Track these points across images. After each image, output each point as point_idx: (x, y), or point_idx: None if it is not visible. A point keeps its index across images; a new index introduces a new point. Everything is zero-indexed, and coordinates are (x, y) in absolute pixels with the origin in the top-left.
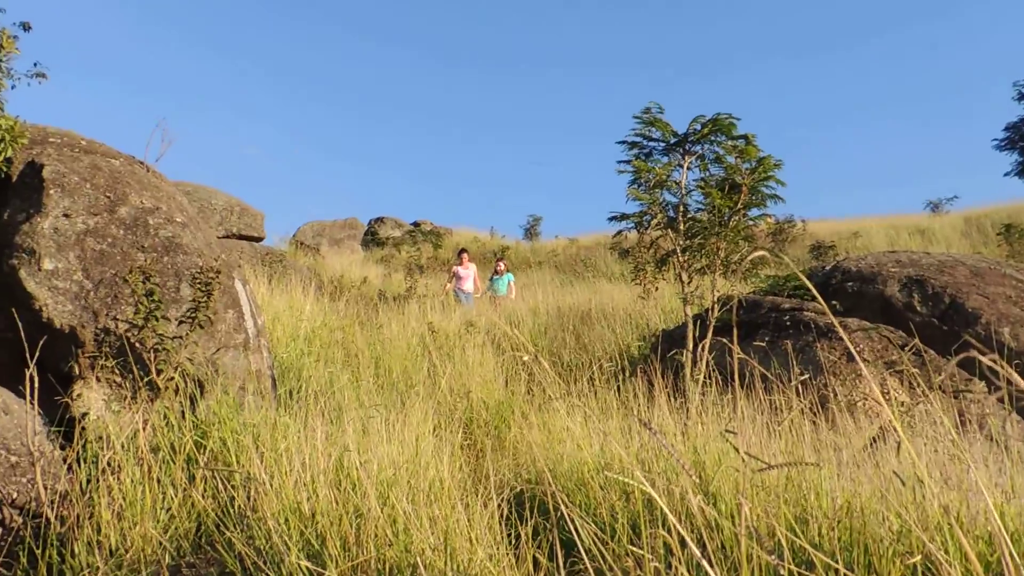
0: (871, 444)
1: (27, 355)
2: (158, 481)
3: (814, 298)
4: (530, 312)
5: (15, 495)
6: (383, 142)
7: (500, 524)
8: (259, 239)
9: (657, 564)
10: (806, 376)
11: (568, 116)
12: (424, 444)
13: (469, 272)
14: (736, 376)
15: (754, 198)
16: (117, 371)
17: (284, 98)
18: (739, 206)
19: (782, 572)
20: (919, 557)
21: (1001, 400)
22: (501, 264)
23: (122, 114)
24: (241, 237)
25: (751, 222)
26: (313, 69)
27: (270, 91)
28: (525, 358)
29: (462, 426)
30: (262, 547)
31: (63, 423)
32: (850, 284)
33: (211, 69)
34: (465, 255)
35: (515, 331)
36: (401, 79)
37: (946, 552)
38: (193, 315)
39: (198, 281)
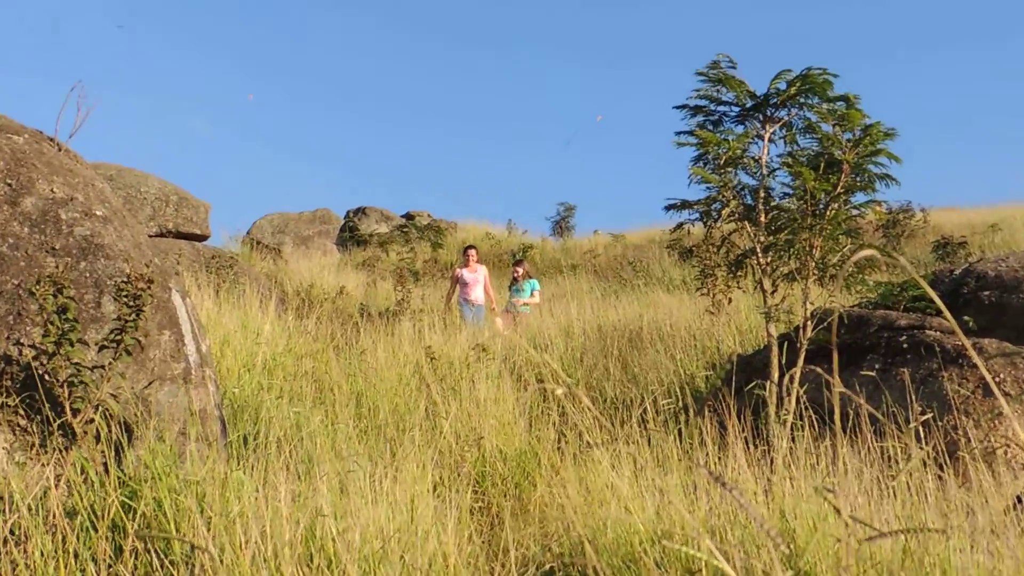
0: (1015, 505)
1: None
2: (75, 555)
3: (939, 312)
4: (561, 332)
5: None
6: (366, 124)
7: None
8: (203, 237)
9: None
10: (929, 415)
11: (601, 102)
12: (422, 507)
13: (478, 277)
14: (836, 416)
15: (859, 179)
16: (22, 411)
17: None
18: (839, 190)
19: None
20: None
21: None
22: (520, 268)
23: (38, 94)
24: (180, 235)
25: (855, 211)
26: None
27: (221, 62)
28: (557, 391)
29: (472, 483)
30: None
31: None
32: (987, 293)
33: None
34: (473, 254)
35: (542, 356)
36: (393, 55)
37: None
38: (118, 338)
39: (124, 294)
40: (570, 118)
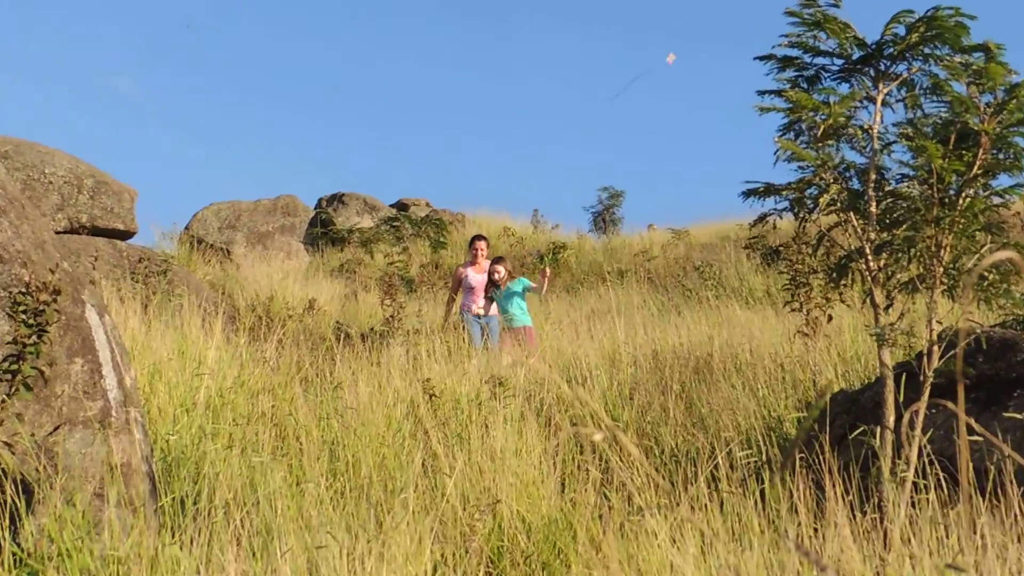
0: None
1: None
2: None
3: None
4: (604, 360)
5: None
6: (345, 110)
7: None
8: (127, 234)
9: None
10: None
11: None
12: None
13: (487, 278)
14: (971, 472)
15: (1002, 156)
16: None
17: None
18: (975, 171)
19: None
20: None
21: None
22: (501, 268)
23: None
24: (97, 231)
25: (996, 199)
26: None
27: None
28: (595, 437)
29: (484, 563)
30: None
31: None
32: None
33: None
34: (482, 247)
35: (575, 391)
36: (374, 32)
37: None
38: (14, 368)
39: (23, 309)
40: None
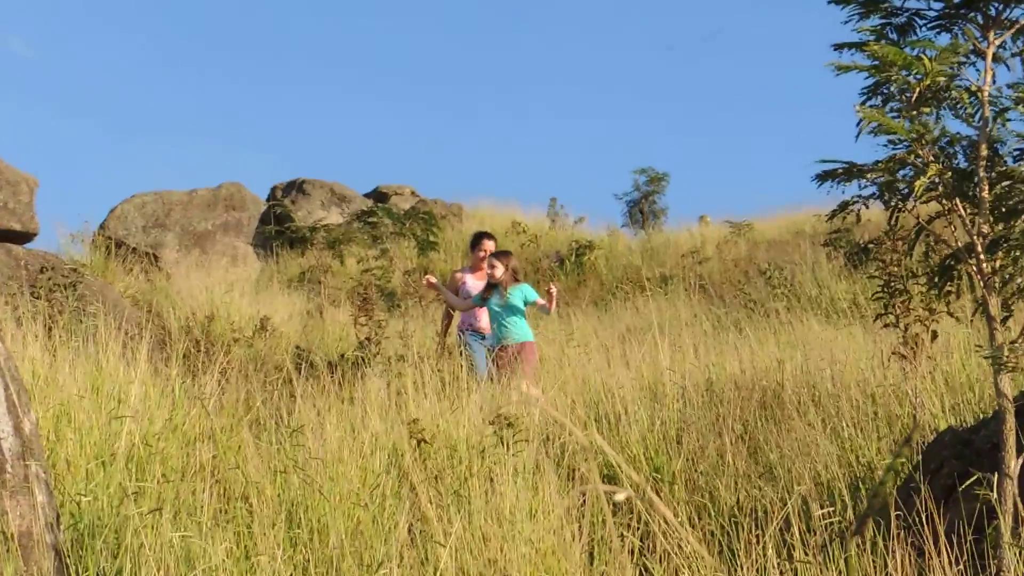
0: None
1: None
2: None
3: None
4: (643, 393)
5: None
6: (311, 85)
7: None
8: (26, 236)
9: None
10: None
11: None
12: None
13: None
14: None
15: None
16: None
17: None
18: None
19: None
20: None
21: None
22: (500, 264)
23: None
24: None
25: None
26: None
27: None
28: (618, 497)
29: None
30: None
31: None
32: None
33: None
34: (489, 247)
35: (592, 433)
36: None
37: None
38: None
39: None
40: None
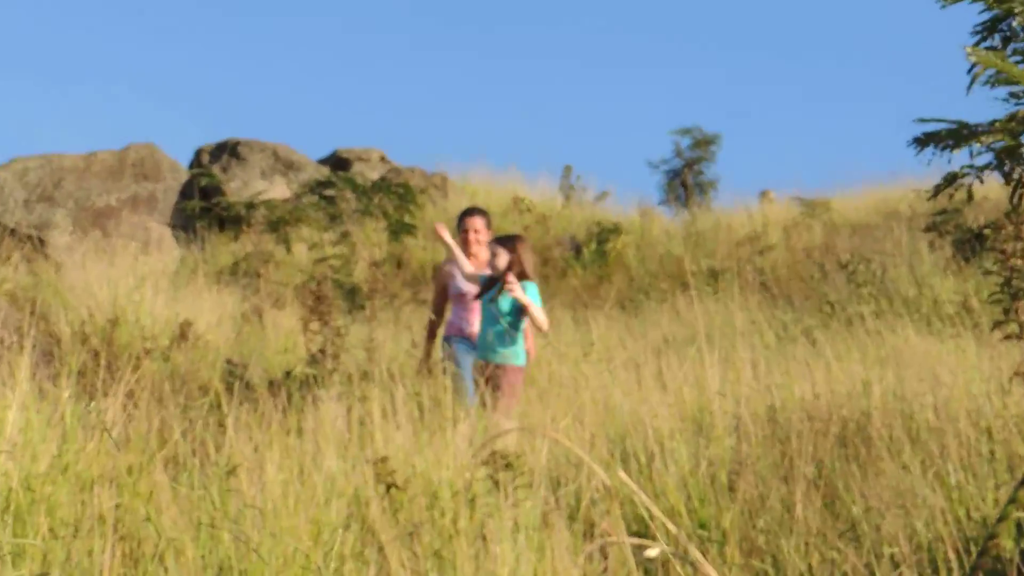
0: None
1: None
2: None
3: None
4: (685, 422)
5: None
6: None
7: None
8: None
9: None
10: None
11: None
12: None
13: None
14: None
15: None
16: None
17: None
18: None
19: None
20: None
21: None
22: (503, 253)
23: None
24: None
25: None
26: None
27: None
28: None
29: None
30: None
31: None
32: None
33: None
34: (477, 224)
35: (613, 472)
36: None
37: None
38: None
39: None
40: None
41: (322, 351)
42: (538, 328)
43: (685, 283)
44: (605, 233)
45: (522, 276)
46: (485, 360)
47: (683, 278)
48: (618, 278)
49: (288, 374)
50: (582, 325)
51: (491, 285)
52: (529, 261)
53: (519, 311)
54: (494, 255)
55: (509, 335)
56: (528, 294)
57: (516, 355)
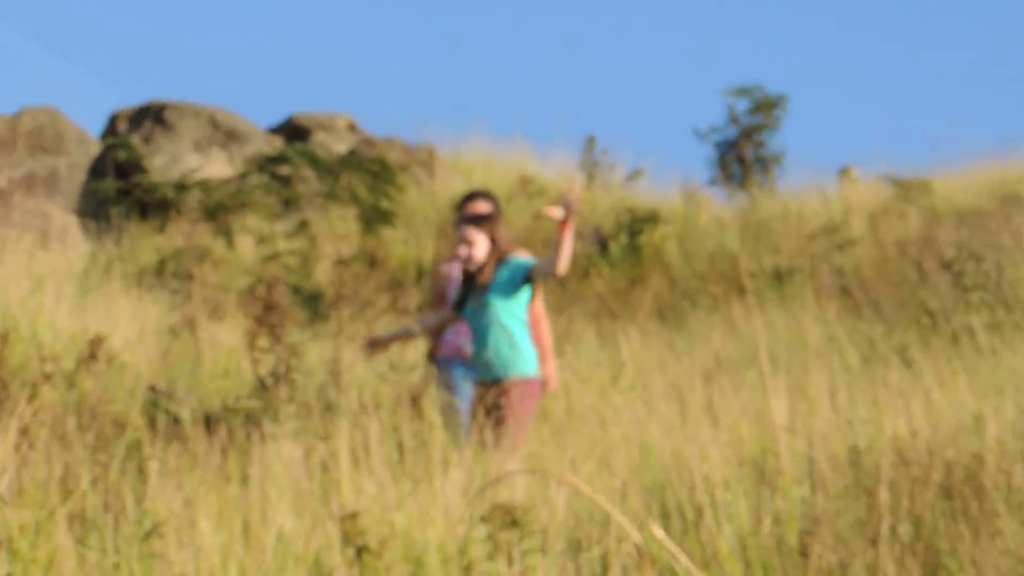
0: None
1: None
2: None
3: None
4: (744, 467)
5: None
6: None
7: None
8: None
9: None
10: None
11: None
12: None
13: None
14: None
15: None
16: None
17: None
18: None
19: None
20: None
21: None
22: (477, 241)
23: None
24: None
25: None
26: None
27: None
28: None
29: None
30: None
31: None
32: None
33: None
34: (478, 208)
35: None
36: None
37: None
38: None
39: None
40: None
41: (273, 375)
42: (548, 272)
43: (742, 287)
44: (639, 223)
45: (501, 251)
46: (484, 380)
47: (739, 280)
48: (656, 281)
49: (228, 406)
50: (609, 341)
51: (471, 286)
52: (506, 240)
53: (511, 295)
54: (467, 243)
55: (509, 336)
56: (515, 267)
57: (523, 363)
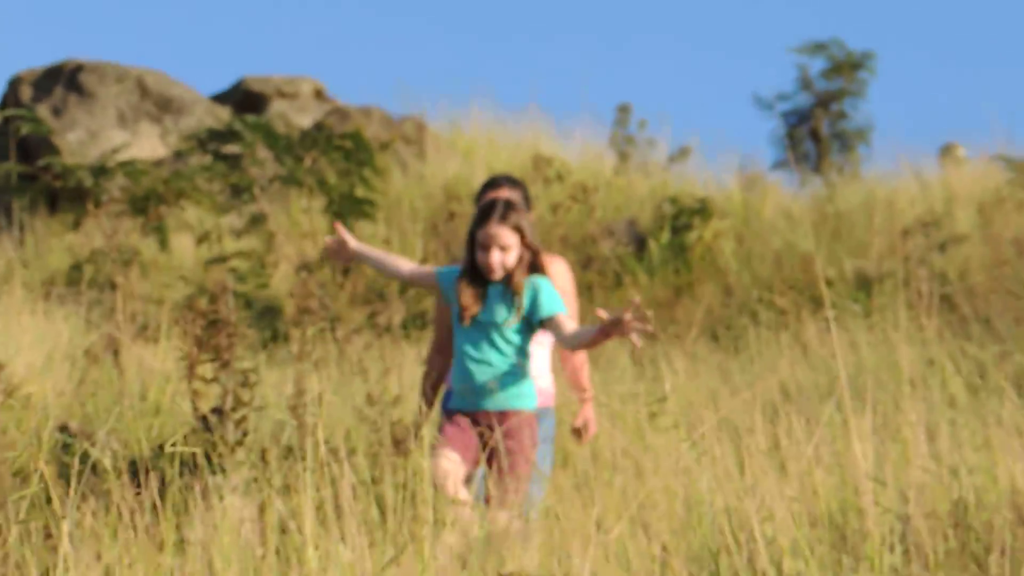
0: None
1: None
2: None
3: None
4: (819, 527)
5: None
6: None
7: None
8: None
9: None
10: None
11: None
12: None
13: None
14: None
15: None
16: None
17: None
18: None
19: None
20: None
21: None
22: (509, 243)
23: None
24: None
25: None
26: None
27: None
28: None
29: None
30: None
31: None
32: None
33: None
34: (505, 198)
35: None
36: None
37: None
38: None
39: None
40: None
41: (218, 411)
42: (574, 342)
43: (818, 297)
44: (686, 216)
45: (538, 265)
46: (475, 411)
47: (814, 289)
48: (707, 290)
49: (162, 449)
50: (648, 367)
51: (478, 289)
52: (537, 241)
53: (526, 326)
54: (496, 248)
55: (511, 363)
56: (541, 290)
57: (523, 393)
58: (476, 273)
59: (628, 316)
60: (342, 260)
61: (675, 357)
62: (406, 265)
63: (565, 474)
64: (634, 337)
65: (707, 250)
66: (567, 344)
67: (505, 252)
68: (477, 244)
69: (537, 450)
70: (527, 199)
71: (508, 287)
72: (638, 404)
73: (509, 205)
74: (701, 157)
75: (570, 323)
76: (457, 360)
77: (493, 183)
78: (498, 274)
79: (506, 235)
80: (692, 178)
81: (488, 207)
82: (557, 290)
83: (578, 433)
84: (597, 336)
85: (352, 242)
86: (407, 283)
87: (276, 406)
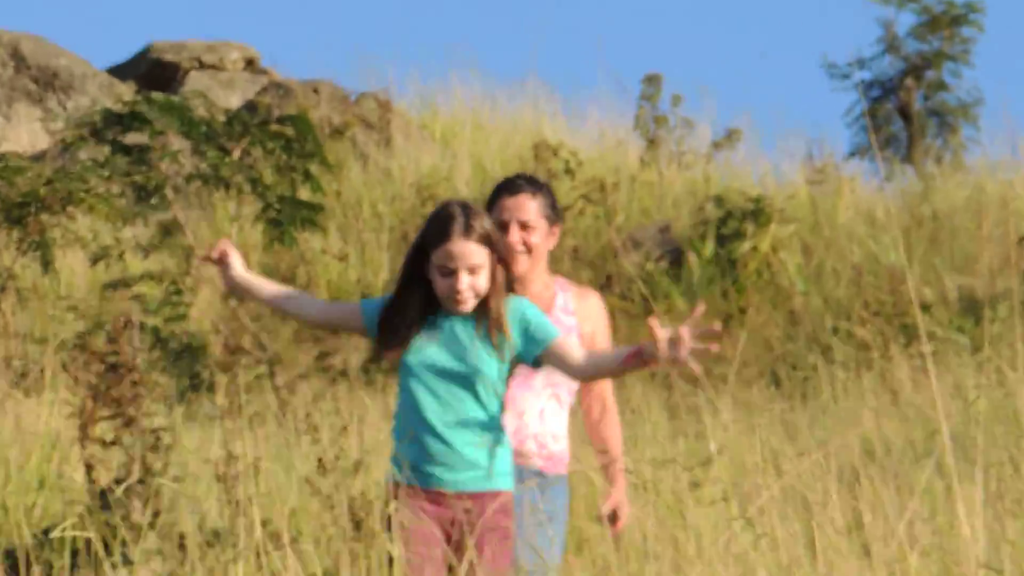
0: None
1: None
2: None
3: None
4: None
5: None
6: None
7: None
8: None
9: None
10: None
11: None
12: None
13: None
14: None
15: None
16: None
17: None
18: None
19: None
20: None
21: None
22: (480, 256)
23: None
24: None
25: None
26: None
27: None
28: None
29: None
30: None
31: None
32: None
33: None
34: (522, 213)
35: None
36: None
37: None
38: None
39: None
40: None
41: (121, 484)
42: (586, 372)
43: (910, 326)
44: (735, 221)
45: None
46: (437, 489)
47: (905, 316)
48: (764, 317)
49: (48, 535)
50: (688, 417)
51: (430, 313)
52: (507, 249)
53: (503, 366)
54: (450, 271)
55: (491, 425)
56: (538, 319)
57: (504, 471)
58: (429, 304)
59: (686, 333)
60: (226, 285)
61: (723, 407)
62: (315, 303)
63: (580, 563)
64: (692, 364)
65: (764, 265)
66: (581, 373)
67: (475, 274)
68: (434, 268)
69: (541, 532)
70: (555, 208)
71: (483, 318)
72: (675, 469)
73: (468, 209)
74: (754, 143)
75: (576, 347)
76: (411, 420)
77: (509, 186)
78: (469, 305)
79: (475, 252)
80: (743, 171)
81: (443, 217)
82: (593, 333)
83: (609, 520)
84: (629, 361)
85: (235, 266)
86: (319, 328)
87: (198, 476)
